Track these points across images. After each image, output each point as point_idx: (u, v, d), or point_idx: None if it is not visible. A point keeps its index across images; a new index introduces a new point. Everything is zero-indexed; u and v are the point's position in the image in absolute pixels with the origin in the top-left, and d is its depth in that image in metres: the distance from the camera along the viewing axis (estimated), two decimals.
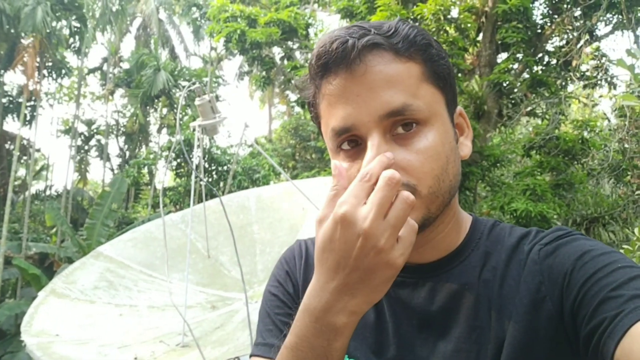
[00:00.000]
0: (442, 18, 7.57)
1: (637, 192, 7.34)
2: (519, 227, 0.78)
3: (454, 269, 0.74)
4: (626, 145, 7.56)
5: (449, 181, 0.69)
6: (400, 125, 0.66)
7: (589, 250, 0.66)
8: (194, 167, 3.13)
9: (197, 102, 3.06)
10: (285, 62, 10.47)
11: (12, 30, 14.59)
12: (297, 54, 11.13)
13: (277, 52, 10.92)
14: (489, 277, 0.72)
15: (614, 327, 0.55)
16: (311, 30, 10.35)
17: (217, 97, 18.60)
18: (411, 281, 0.75)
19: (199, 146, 3.29)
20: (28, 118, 17.25)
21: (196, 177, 3.15)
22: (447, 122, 0.71)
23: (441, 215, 0.70)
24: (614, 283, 0.59)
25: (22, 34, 14.99)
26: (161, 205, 3.10)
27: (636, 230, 3.00)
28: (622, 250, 2.96)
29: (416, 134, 0.67)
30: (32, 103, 16.72)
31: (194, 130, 3.39)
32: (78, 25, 16.22)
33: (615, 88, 8.53)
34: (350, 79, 0.66)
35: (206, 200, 3.77)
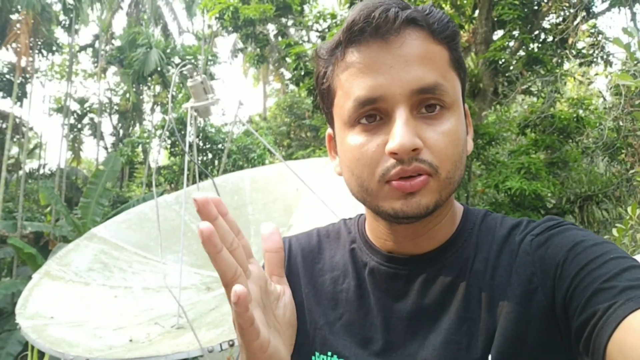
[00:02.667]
0: None
1: (631, 171, 7.36)
2: (510, 217, 0.78)
3: (447, 260, 0.73)
4: (621, 124, 7.54)
5: (460, 171, 0.68)
6: (424, 106, 0.66)
7: (581, 241, 0.65)
8: (186, 148, 3.09)
9: (189, 83, 3.00)
10: (280, 39, 10.33)
11: (1, 4, 14.30)
12: (292, 30, 10.99)
13: (271, 29, 10.77)
14: (480, 268, 0.71)
15: (607, 319, 0.55)
16: (306, 7, 10.19)
17: (211, 75, 18.43)
18: (404, 273, 0.75)
19: (191, 125, 3.25)
20: (19, 95, 17.02)
21: (189, 159, 3.12)
22: (462, 113, 0.71)
23: (443, 204, 0.70)
24: (607, 274, 0.59)
25: (14, 10, 14.69)
26: (154, 187, 3.08)
27: (629, 208, 3.02)
28: (614, 229, 2.98)
29: (441, 116, 0.66)
30: (20, 80, 16.46)
31: (186, 110, 3.34)
32: (72, 1, 15.92)
33: (611, 66, 8.47)
34: (385, 49, 0.65)
35: (200, 180, 3.74)
